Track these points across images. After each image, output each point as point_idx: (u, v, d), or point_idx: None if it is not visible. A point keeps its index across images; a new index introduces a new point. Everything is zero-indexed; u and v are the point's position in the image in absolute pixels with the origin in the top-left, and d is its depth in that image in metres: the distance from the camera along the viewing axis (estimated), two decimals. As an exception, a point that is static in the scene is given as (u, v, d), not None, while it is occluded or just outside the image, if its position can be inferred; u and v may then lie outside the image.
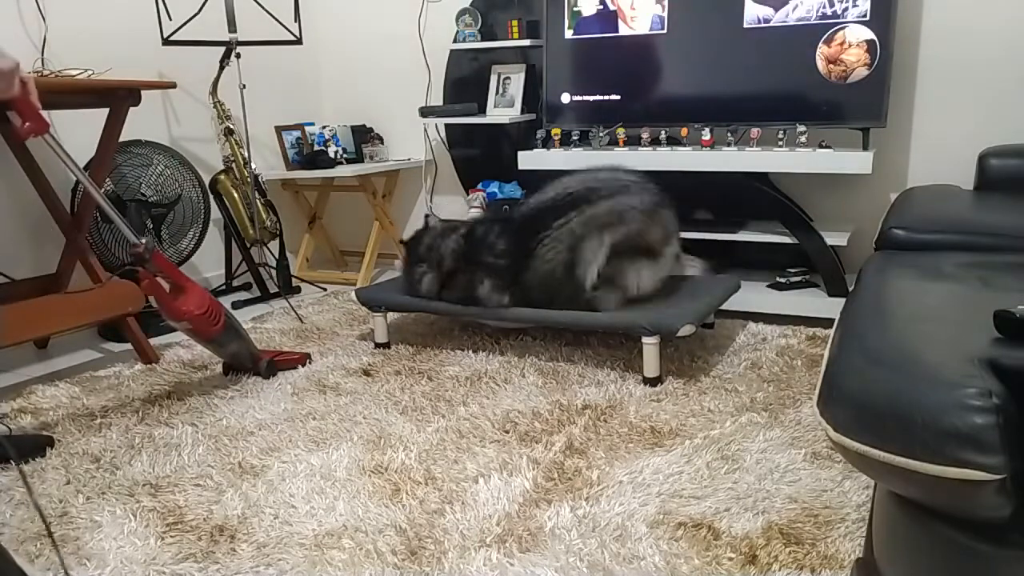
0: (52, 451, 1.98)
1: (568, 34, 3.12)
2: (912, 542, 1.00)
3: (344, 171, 3.65)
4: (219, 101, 3.34)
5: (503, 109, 3.52)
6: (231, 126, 3.36)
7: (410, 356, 2.62)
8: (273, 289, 3.55)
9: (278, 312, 3.26)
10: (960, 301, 1.32)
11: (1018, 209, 2.04)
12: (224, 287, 3.62)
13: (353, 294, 2.81)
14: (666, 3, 2.92)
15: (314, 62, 4.13)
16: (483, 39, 3.47)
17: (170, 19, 3.05)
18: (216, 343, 2.34)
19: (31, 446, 1.97)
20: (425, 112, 3.56)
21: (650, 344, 2.25)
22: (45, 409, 2.26)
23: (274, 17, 3.30)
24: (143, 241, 2.18)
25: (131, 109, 2.62)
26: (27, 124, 1.82)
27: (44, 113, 1.85)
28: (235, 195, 3.37)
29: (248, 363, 2.45)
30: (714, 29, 2.86)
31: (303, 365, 2.52)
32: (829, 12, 2.67)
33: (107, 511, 1.67)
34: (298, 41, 3.36)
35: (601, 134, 3.07)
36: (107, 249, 2.97)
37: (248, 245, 3.49)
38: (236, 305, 3.39)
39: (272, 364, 2.46)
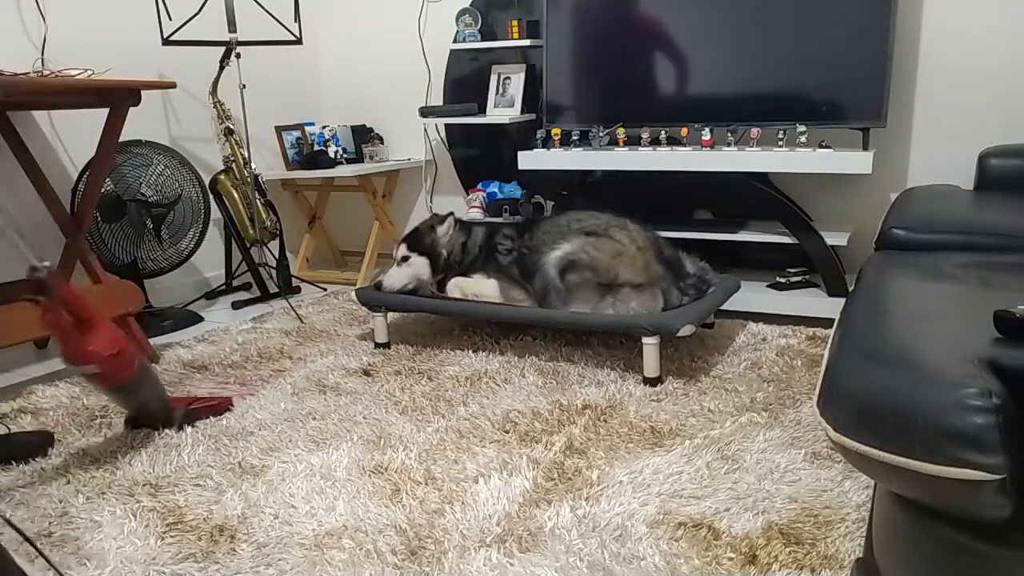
0: (52, 451, 1.98)
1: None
2: (912, 542, 1.00)
3: (344, 171, 3.65)
4: (219, 101, 3.34)
5: (503, 109, 3.52)
6: (231, 126, 3.36)
7: (410, 356, 2.62)
8: (273, 289, 3.55)
9: (278, 312, 3.26)
10: (960, 301, 1.32)
11: (1018, 209, 2.04)
12: (224, 287, 3.62)
13: (353, 294, 2.81)
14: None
15: (314, 62, 4.13)
16: (483, 39, 3.47)
17: (170, 19, 3.05)
18: (124, 392, 1.96)
19: (32, 444, 1.96)
20: (425, 112, 3.56)
21: (650, 344, 2.25)
22: (45, 409, 2.26)
23: (274, 17, 3.30)
24: (45, 265, 1.84)
25: (131, 109, 2.62)
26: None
27: None
28: (235, 195, 3.37)
29: (159, 414, 2.07)
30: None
31: (226, 411, 2.19)
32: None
33: (107, 511, 1.67)
34: (298, 41, 3.36)
35: (601, 134, 3.07)
36: (107, 249, 2.97)
37: (248, 245, 3.49)
38: (236, 305, 3.39)
39: (188, 414, 2.11)
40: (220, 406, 2.20)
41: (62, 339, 1.84)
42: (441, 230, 2.71)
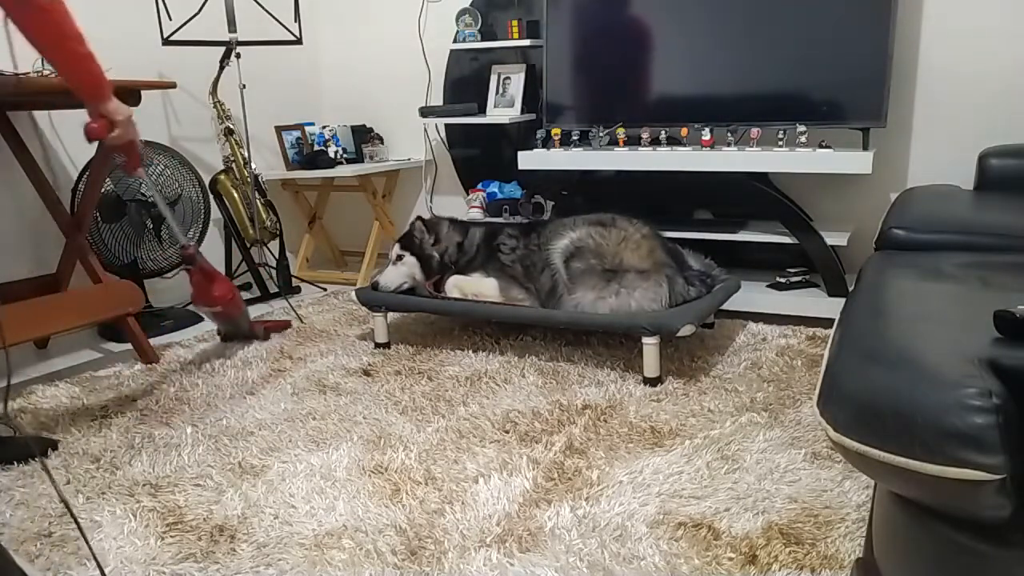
0: (52, 451, 1.98)
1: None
2: (912, 542, 1.00)
3: (344, 171, 3.65)
4: (219, 101, 3.34)
5: (503, 109, 3.52)
6: (231, 126, 3.36)
7: (410, 356, 2.62)
8: (273, 289, 3.55)
9: (278, 312, 3.26)
10: (960, 301, 1.32)
11: (1018, 209, 2.04)
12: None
13: (353, 294, 2.81)
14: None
15: (314, 62, 4.13)
16: (483, 39, 3.47)
17: (170, 19, 3.05)
18: (234, 322, 2.73)
19: (34, 447, 1.96)
20: (425, 112, 3.56)
21: (650, 344, 2.25)
22: (45, 409, 2.26)
23: (274, 17, 3.30)
24: (191, 241, 2.65)
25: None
26: (129, 162, 2.15)
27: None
28: (235, 195, 3.37)
29: (247, 333, 2.81)
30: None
31: (287, 328, 2.95)
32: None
33: (107, 511, 1.67)
34: (298, 41, 3.36)
35: (601, 134, 3.07)
36: (107, 249, 2.97)
37: (248, 245, 3.49)
38: (236, 305, 3.40)
39: (267, 330, 2.88)
40: (283, 326, 2.97)
41: (199, 289, 2.51)
42: (425, 236, 2.74)
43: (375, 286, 2.71)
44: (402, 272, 2.70)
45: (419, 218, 2.76)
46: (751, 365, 2.38)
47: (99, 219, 2.92)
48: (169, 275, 3.23)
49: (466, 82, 3.73)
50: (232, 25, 3.15)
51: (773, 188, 2.96)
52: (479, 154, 3.82)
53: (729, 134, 2.86)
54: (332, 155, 3.71)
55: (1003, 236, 1.78)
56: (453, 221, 2.82)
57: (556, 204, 3.30)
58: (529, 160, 3.16)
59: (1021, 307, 1.01)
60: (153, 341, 2.80)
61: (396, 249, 2.74)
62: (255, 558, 1.48)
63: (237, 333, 2.83)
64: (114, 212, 2.95)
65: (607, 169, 3.16)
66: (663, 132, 2.98)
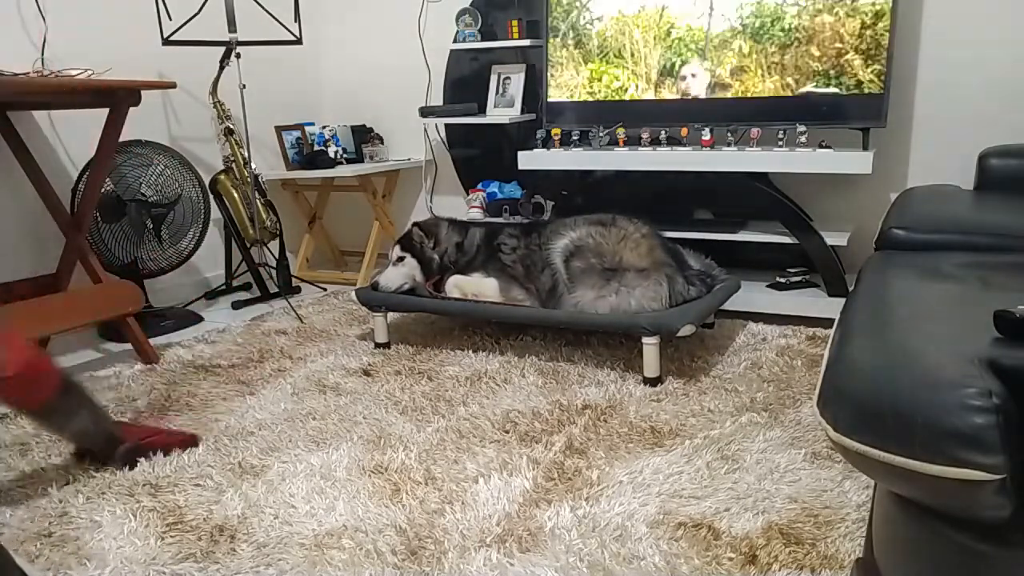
0: (54, 453, 1.98)
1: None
2: (912, 542, 1.00)
3: (344, 171, 3.65)
4: (219, 101, 3.34)
5: (503, 109, 3.52)
6: (231, 126, 3.36)
7: (410, 356, 2.62)
8: (273, 289, 3.55)
9: (278, 312, 3.26)
10: (960, 301, 1.32)
11: (1018, 209, 2.04)
12: (224, 287, 3.62)
13: (353, 294, 2.81)
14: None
15: (314, 62, 4.13)
16: (483, 39, 3.47)
17: (170, 19, 3.05)
18: (44, 416, 1.77)
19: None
20: (425, 112, 3.55)
21: (650, 344, 2.25)
22: (45, 409, 2.26)
23: (274, 17, 3.30)
24: None
25: (131, 109, 2.62)
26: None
27: None
28: (235, 195, 3.37)
29: (101, 445, 1.85)
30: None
31: (183, 448, 1.92)
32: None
33: (107, 511, 1.67)
34: (298, 41, 3.35)
35: (601, 134, 3.06)
36: (107, 249, 2.97)
37: (248, 245, 3.49)
38: (236, 305, 3.39)
39: (134, 449, 1.86)
40: (178, 442, 1.93)
41: None
42: (424, 240, 2.74)
43: (375, 286, 2.71)
44: (402, 273, 2.71)
45: (416, 224, 2.76)
46: (751, 365, 2.38)
47: (99, 219, 2.92)
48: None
49: (466, 82, 3.73)
50: (232, 25, 3.15)
51: (773, 188, 2.96)
52: (479, 154, 3.82)
53: (729, 134, 2.86)
54: (332, 155, 3.71)
55: (1003, 236, 1.78)
56: (452, 221, 2.82)
57: (556, 204, 3.30)
58: (529, 160, 3.16)
59: (1021, 307, 1.01)
60: (153, 341, 2.80)
61: (396, 251, 2.74)
62: (255, 558, 1.48)
63: (84, 444, 1.89)
64: (114, 212, 2.95)
65: (607, 169, 3.15)
66: (663, 132, 2.98)
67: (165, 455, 1.88)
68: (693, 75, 2.94)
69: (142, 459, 1.85)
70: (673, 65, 2.95)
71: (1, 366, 1.59)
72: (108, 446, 1.84)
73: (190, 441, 1.96)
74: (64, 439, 1.90)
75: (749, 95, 2.86)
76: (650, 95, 3.03)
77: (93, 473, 1.85)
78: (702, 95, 2.93)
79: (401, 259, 2.72)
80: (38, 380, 1.67)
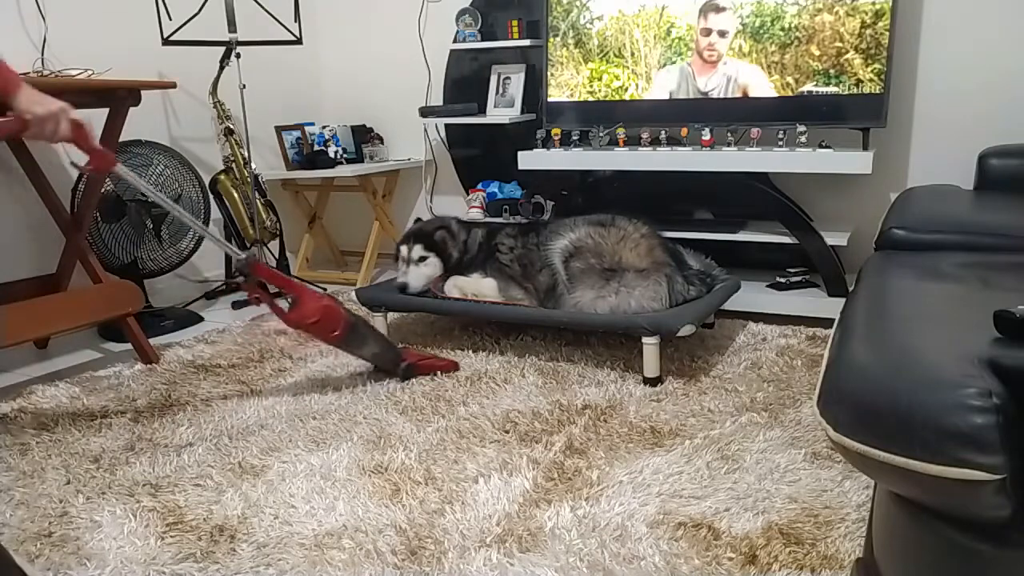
0: (54, 453, 1.98)
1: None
2: (912, 542, 1.00)
3: (344, 171, 3.65)
4: (219, 101, 3.34)
5: (503, 109, 3.52)
6: (231, 126, 3.36)
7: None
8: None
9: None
10: (960, 301, 1.32)
11: (1018, 209, 2.04)
12: (224, 287, 3.62)
13: (353, 294, 2.81)
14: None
15: (314, 62, 4.13)
16: (483, 39, 3.47)
17: (170, 19, 3.05)
18: (344, 348, 2.36)
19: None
20: (425, 112, 3.55)
21: (650, 344, 2.25)
22: (45, 409, 2.26)
23: (274, 17, 3.30)
24: (243, 255, 2.25)
25: (131, 109, 2.62)
26: (89, 163, 1.93)
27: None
28: (235, 195, 3.37)
29: (388, 365, 2.39)
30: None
31: (448, 372, 2.40)
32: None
33: (107, 511, 1.67)
34: (298, 41, 3.35)
35: (601, 134, 3.06)
36: (107, 249, 2.97)
37: (248, 245, 3.49)
38: (236, 305, 3.39)
39: (411, 368, 2.37)
40: (444, 367, 2.42)
41: (273, 312, 2.27)
42: (448, 239, 2.72)
43: (404, 288, 2.67)
44: (426, 273, 2.69)
45: (444, 226, 2.73)
46: (751, 365, 2.38)
47: (99, 219, 2.92)
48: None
49: (466, 82, 3.73)
50: (232, 25, 3.15)
51: (773, 188, 2.96)
52: (479, 154, 3.82)
53: (729, 134, 2.86)
54: (332, 155, 3.71)
55: (1003, 236, 1.78)
56: (458, 220, 2.82)
57: (556, 204, 3.30)
58: (529, 160, 3.16)
59: (1021, 307, 1.01)
60: (153, 341, 2.79)
61: (418, 250, 2.69)
62: (255, 558, 1.48)
63: (377, 363, 2.43)
64: (114, 212, 2.95)
65: (607, 169, 3.15)
66: (663, 132, 2.98)
67: (432, 376, 2.37)
68: (721, 33, 2.88)
69: (413, 377, 2.36)
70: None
71: (309, 314, 2.21)
72: (393, 365, 2.38)
73: (452, 367, 2.43)
74: (363, 360, 2.43)
75: (749, 95, 2.86)
76: (650, 95, 3.03)
77: (93, 473, 1.85)
78: (724, 50, 2.88)
79: (424, 259, 2.69)
80: (333, 322, 2.24)
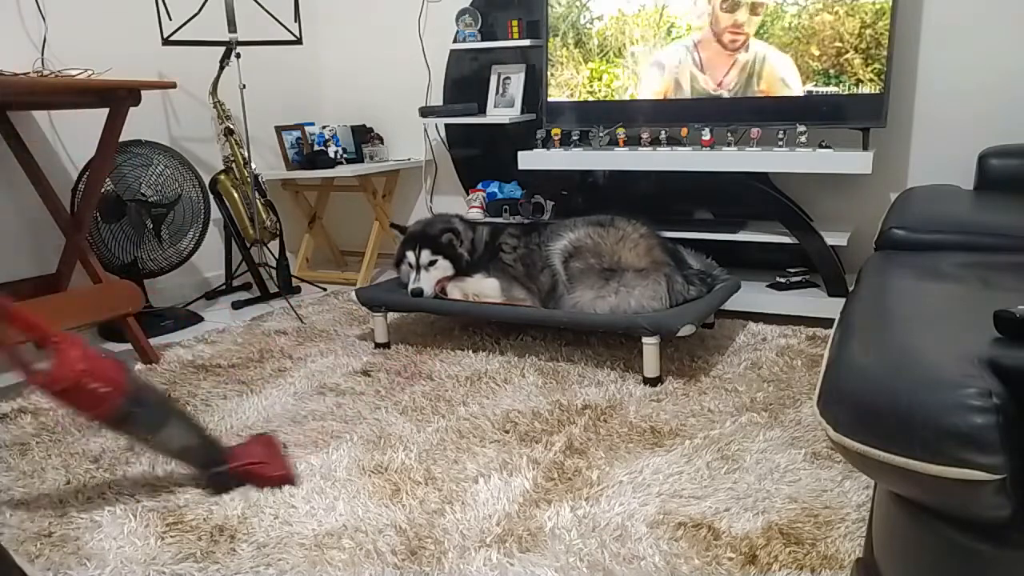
0: (54, 453, 1.98)
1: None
2: (912, 542, 1.00)
3: (344, 171, 3.65)
4: (219, 101, 3.34)
5: (503, 109, 3.52)
6: (231, 126, 3.36)
7: (410, 356, 2.62)
8: (273, 289, 3.55)
9: (278, 312, 3.26)
10: (960, 301, 1.32)
11: (1018, 209, 2.04)
12: (224, 287, 3.62)
13: (353, 294, 2.81)
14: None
15: (314, 62, 4.13)
16: (483, 39, 3.47)
17: (170, 19, 3.05)
18: (115, 428, 1.65)
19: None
20: (425, 112, 3.55)
21: (650, 344, 2.25)
22: (45, 409, 2.26)
23: (274, 17, 3.30)
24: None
25: (131, 109, 2.62)
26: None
27: None
28: (235, 195, 3.37)
29: (197, 464, 1.74)
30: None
31: (278, 486, 1.73)
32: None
33: (107, 511, 1.67)
34: (298, 41, 3.35)
35: (601, 134, 3.06)
36: (107, 249, 2.97)
37: (248, 245, 3.49)
38: (236, 305, 3.39)
39: (227, 476, 1.71)
40: (277, 480, 1.74)
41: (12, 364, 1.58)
42: (455, 241, 2.71)
43: (419, 293, 2.64)
44: (437, 277, 2.68)
45: (450, 228, 2.71)
46: (751, 365, 2.38)
47: (99, 219, 2.92)
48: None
49: (466, 82, 3.73)
50: (232, 25, 3.15)
51: (773, 188, 2.96)
52: (479, 154, 3.82)
53: (729, 134, 2.86)
54: (332, 155, 3.71)
55: (1003, 236, 1.78)
56: (462, 219, 2.82)
57: (556, 204, 3.30)
58: (529, 160, 3.16)
59: (1021, 307, 1.01)
60: (153, 341, 2.80)
61: (427, 254, 2.66)
62: (255, 558, 1.48)
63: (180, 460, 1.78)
64: (114, 212, 2.95)
65: (607, 169, 3.15)
66: (663, 132, 2.98)
67: (259, 489, 1.71)
68: (753, 8, 2.75)
69: (232, 489, 1.70)
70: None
71: (51, 379, 1.52)
72: (204, 467, 1.72)
73: (287, 480, 1.74)
74: (153, 453, 1.80)
75: (749, 95, 2.86)
76: (648, 82, 3.03)
77: (93, 473, 1.85)
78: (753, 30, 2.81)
79: (433, 262, 2.67)
80: (94, 392, 1.54)
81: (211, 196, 3.35)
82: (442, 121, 3.64)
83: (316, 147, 3.78)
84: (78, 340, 1.60)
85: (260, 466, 1.73)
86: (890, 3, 2.59)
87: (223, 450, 1.74)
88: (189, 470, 1.76)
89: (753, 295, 2.82)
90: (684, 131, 3.02)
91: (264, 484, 1.71)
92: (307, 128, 3.89)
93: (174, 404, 1.69)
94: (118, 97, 2.58)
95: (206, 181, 3.33)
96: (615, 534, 1.50)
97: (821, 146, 2.70)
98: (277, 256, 3.57)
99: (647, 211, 2.71)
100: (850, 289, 1.85)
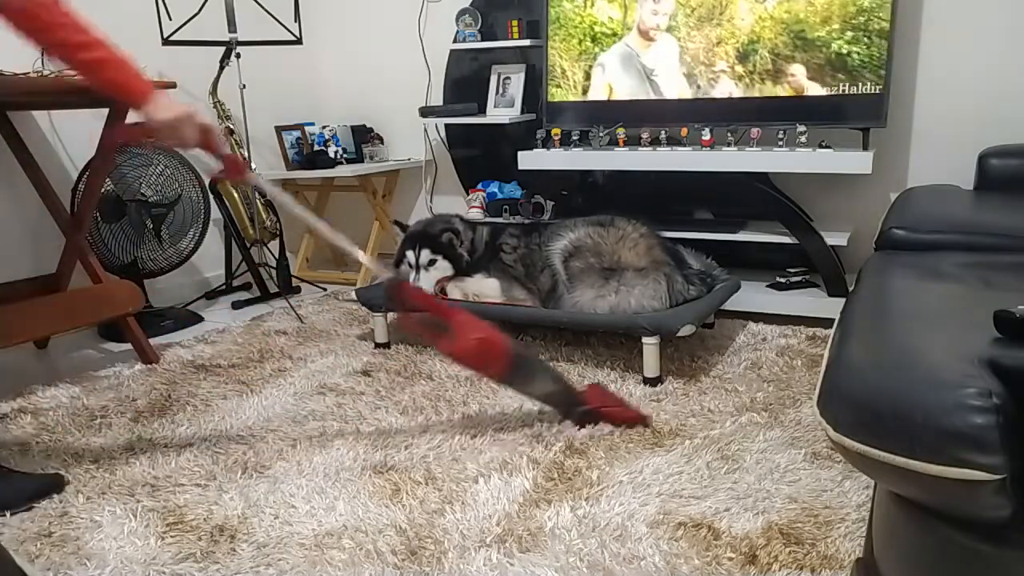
0: (54, 453, 1.98)
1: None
2: (912, 542, 1.00)
3: (344, 171, 3.65)
4: (219, 101, 3.34)
5: (503, 109, 3.52)
6: (231, 126, 3.36)
7: (410, 356, 2.62)
8: (273, 289, 3.55)
9: (278, 312, 3.26)
10: (960, 301, 1.32)
11: (1018, 209, 2.04)
12: (224, 287, 3.62)
13: (353, 294, 2.81)
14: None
15: (314, 62, 4.13)
16: (483, 39, 3.47)
17: (170, 19, 3.05)
18: (508, 385, 2.07)
19: (43, 486, 1.77)
20: (425, 112, 3.55)
21: (650, 344, 2.25)
22: (45, 409, 2.26)
23: (274, 17, 3.30)
24: (388, 277, 2.04)
25: (131, 109, 2.62)
26: (221, 170, 1.84)
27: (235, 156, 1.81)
28: (235, 195, 3.37)
29: (561, 405, 2.04)
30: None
31: (635, 426, 1.96)
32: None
33: (107, 511, 1.67)
34: (298, 41, 3.35)
35: (601, 134, 3.06)
36: (107, 249, 2.97)
37: (248, 245, 3.49)
38: (236, 305, 3.39)
39: (589, 413, 1.99)
40: (632, 419, 1.98)
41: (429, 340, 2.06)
42: (455, 241, 2.70)
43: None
44: (435, 276, 2.68)
45: (450, 228, 2.71)
46: (751, 365, 2.38)
47: (99, 219, 2.92)
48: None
49: (466, 82, 3.73)
50: (232, 25, 3.15)
51: (773, 188, 2.96)
52: (479, 154, 3.82)
53: (729, 134, 2.86)
54: (332, 155, 3.71)
55: (1003, 236, 1.78)
56: (460, 218, 2.81)
57: (556, 204, 3.30)
58: (529, 160, 3.16)
59: (1021, 307, 1.01)
60: (153, 341, 2.80)
61: (427, 254, 2.65)
62: (255, 558, 1.48)
63: (550, 403, 2.07)
64: (114, 212, 2.95)
65: (607, 169, 3.15)
66: (663, 132, 2.98)
67: (615, 426, 1.96)
68: None
69: (589, 425, 1.98)
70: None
71: (457, 347, 1.89)
72: (568, 407, 2.03)
73: (640, 420, 1.99)
74: (532, 400, 2.09)
75: (749, 95, 2.86)
76: (650, 95, 3.03)
77: (93, 473, 1.85)
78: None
79: (432, 262, 2.67)
80: (488, 358, 1.91)
81: (211, 196, 3.35)
82: (442, 121, 3.64)
83: (316, 147, 3.78)
84: (468, 314, 1.95)
85: (614, 409, 2.01)
86: (890, 3, 2.59)
87: (580, 394, 2.03)
88: (553, 410, 2.06)
89: (753, 295, 2.82)
90: (684, 131, 3.02)
91: (621, 422, 1.98)
92: (307, 128, 3.89)
93: (541, 360, 2.17)
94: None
95: (206, 181, 3.33)
96: (615, 534, 1.50)
97: (821, 146, 2.69)
98: (277, 256, 3.57)
99: (647, 211, 2.71)
100: (850, 289, 1.85)
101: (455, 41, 3.52)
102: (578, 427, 1.97)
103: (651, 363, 2.26)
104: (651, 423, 1.99)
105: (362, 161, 3.89)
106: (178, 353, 2.74)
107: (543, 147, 3.18)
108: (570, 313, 2.41)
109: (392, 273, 1.94)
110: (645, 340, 2.25)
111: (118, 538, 1.57)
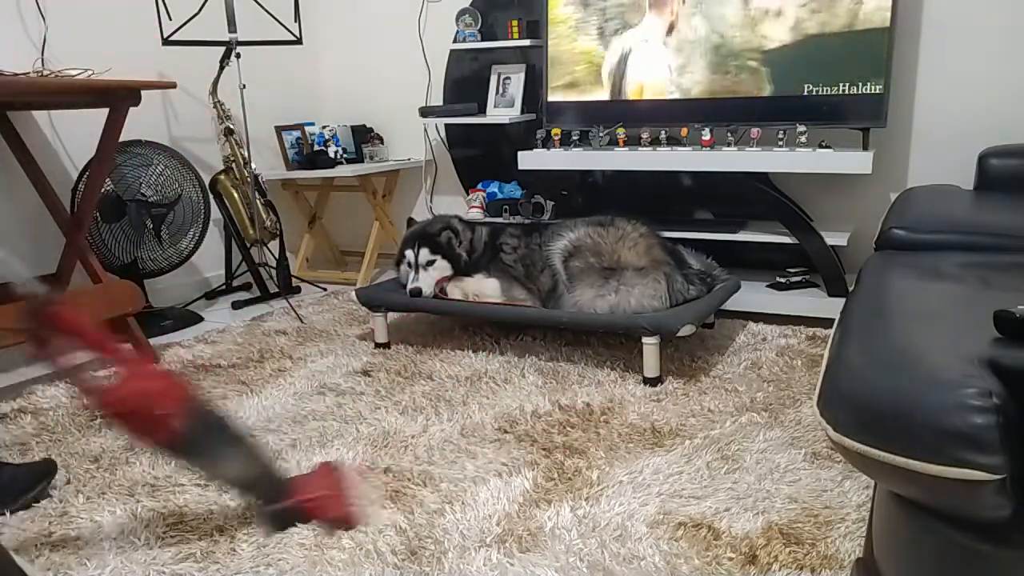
0: (54, 453, 1.98)
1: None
2: (912, 542, 1.00)
3: (344, 171, 3.65)
4: (219, 101, 3.34)
5: (503, 109, 3.52)
6: (231, 126, 3.36)
7: (410, 356, 2.62)
8: (273, 289, 3.55)
9: (278, 312, 3.26)
10: (960, 301, 1.32)
11: (1018, 209, 2.04)
12: (224, 287, 3.62)
13: (353, 294, 2.81)
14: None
15: (314, 62, 4.13)
16: (483, 39, 3.47)
17: (170, 19, 3.05)
18: (181, 457, 1.50)
19: (35, 475, 1.75)
20: (425, 112, 3.55)
21: (650, 344, 2.25)
22: (45, 409, 2.26)
23: (274, 17, 3.30)
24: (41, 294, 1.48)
25: (131, 109, 2.62)
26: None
27: None
28: (235, 195, 3.37)
29: (255, 495, 1.55)
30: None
31: (345, 528, 1.54)
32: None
33: (107, 511, 1.67)
34: (298, 41, 3.35)
35: (601, 134, 3.06)
36: (107, 249, 2.97)
37: (248, 245, 3.49)
38: (236, 305, 3.39)
39: (288, 512, 1.51)
40: (339, 518, 1.55)
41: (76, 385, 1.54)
42: (453, 240, 2.70)
43: (417, 293, 2.64)
44: (435, 276, 2.68)
45: (448, 227, 2.71)
46: (751, 365, 2.38)
47: (99, 219, 2.92)
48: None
49: (466, 82, 3.73)
50: (232, 25, 3.15)
51: (773, 188, 2.96)
52: (479, 154, 3.82)
53: (729, 134, 2.86)
54: (332, 155, 3.71)
55: (1003, 236, 1.78)
56: (459, 219, 2.82)
57: (556, 204, 3.30)
58: (529, 160, 3.16)
59: (1021, 307, 1.01)
60: (153, 341, 2.80)
61: (426, 253, 2.67)
62: (255, 558, 1.48)
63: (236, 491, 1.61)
64: (114, 212, 2.95)
65: (607, 169, 3.15)
66: (663, 132, 2.98)
67: (319, 527, 1.54)
68: None
69: (289, 528, 1.53)
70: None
71: (110, 399, 1.43)
72: (266, 500, 1.52)
73: (347, 522, 1.55)
74: (209, 482, 1.70)
75: (749, 95, 2.86)
76: (651, 95, 3.03)
77: (93, 473, 1.85)
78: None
79: (431, 262, 2.67)
80: (149, 413, 1.40)
81: (211, 196, 3.35)
82: (442, 121, 3.64)
83: (316, 147, 3.78)
84: (141, 357, 1.49)
85: (322, 502, 1.53)
86: (890, 3, 2.59)
87: (285, 483, 1.55)
88: (245, 502, 1.63)
89: (753, 295, 2.82)
90: (684, 131, 3.02)
91: (324, 523, 1.53)
92: (307, 128, 3.89)
93: (235, 428, 1.53)
94: (118, 97, 2.58)
95: (206, 181, 3.33)
96: (615, 534, 1.50)
97: (821, 146, 2.70)
98: (277, 256, 3.57)
99: (647, 211, 2.71)
100: (850, 289, 1.85)
101: (455, 41, 3.52)
102: (269, 533, 1.51)
103: (651, 363, 2.26)
104: (357, 527, 1.53)
105: (362, 161, 3.89)
106: (178, 353, 2.74)
107: (543, 147, 3.18)
108: (570, 313, 2.41)
109: (38, 287, 1.44)
110: (645, 340, 2.25)
111: (118, 538, 1.57)
